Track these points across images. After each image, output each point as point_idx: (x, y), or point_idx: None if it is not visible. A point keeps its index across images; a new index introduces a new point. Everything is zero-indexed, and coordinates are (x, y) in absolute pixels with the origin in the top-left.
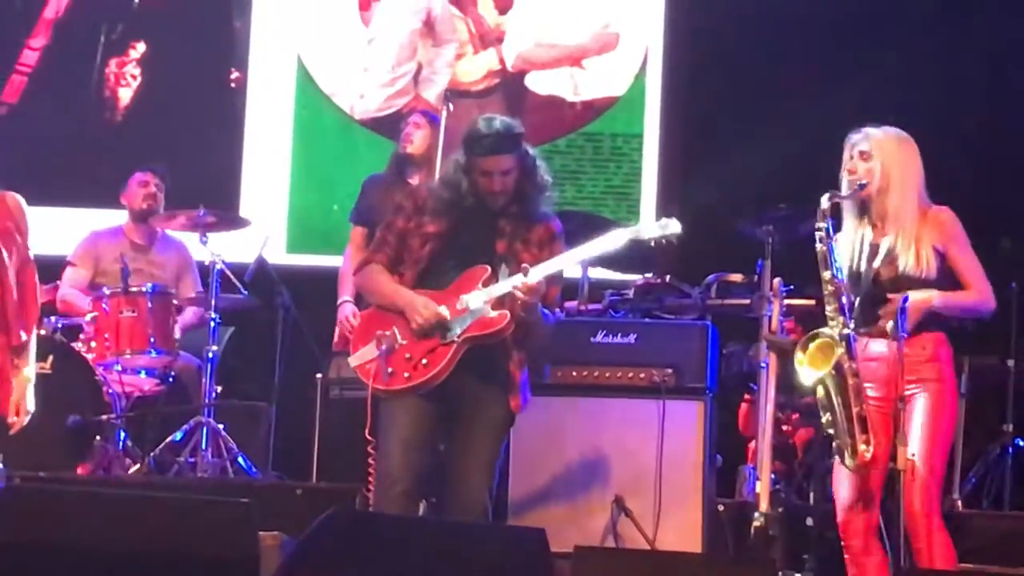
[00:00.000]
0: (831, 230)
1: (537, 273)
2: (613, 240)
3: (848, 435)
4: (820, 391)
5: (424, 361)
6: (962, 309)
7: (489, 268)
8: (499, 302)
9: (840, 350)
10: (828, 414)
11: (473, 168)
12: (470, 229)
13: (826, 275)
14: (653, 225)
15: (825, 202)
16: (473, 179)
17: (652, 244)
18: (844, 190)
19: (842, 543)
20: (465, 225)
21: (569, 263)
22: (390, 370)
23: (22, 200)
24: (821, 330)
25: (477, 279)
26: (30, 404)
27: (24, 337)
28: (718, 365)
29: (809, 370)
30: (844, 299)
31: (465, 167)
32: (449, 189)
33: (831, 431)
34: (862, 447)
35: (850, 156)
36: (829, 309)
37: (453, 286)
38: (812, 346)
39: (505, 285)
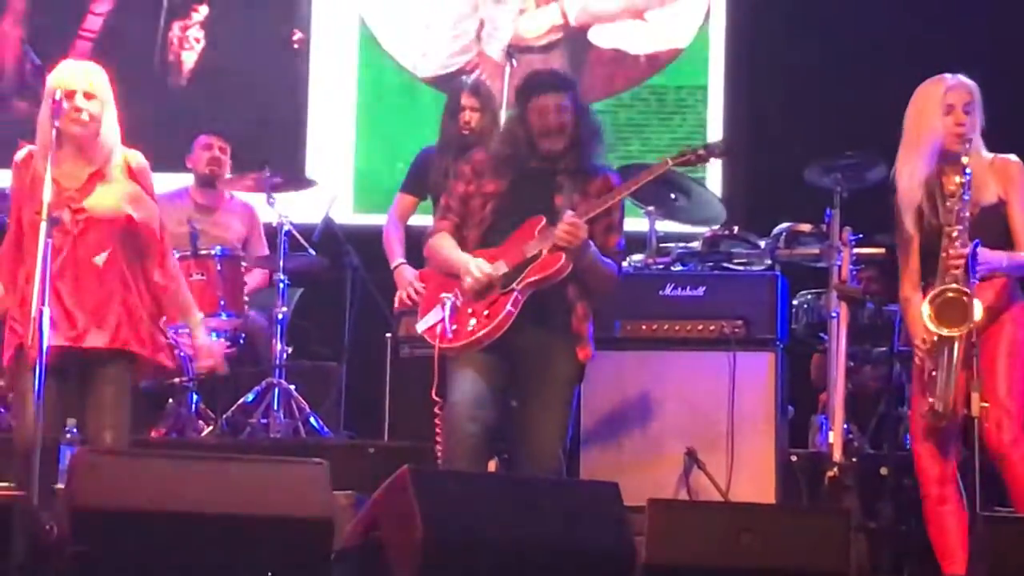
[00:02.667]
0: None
1: (584, 209)
2: (658, 168)
3: (951, 391)
4: (937, 342)
5: (486, 312)
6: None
7: (545, 218)
8: (555, 247)
9: (977, 314)
10: (936, 369)
11: (529, 112)
12: (529, 187)
13: (956, 230)
14: (694, 146)
15: (966, 158)
16: (530, 124)
17: (695, 160)
18: (955, 142)
19: (920, 492)
20: (524, 183)
21: (618, 197)
22: (454, 327)
23: (143, 159)
24: (955, 287)
25: (534, 229)
26: (213, 343)
27: (179, 293)
28: (788, 316)
29: (936, 326)
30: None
31: (521, 115)
32: (508, 143)
33: (933, 385)
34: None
35: (949, 105)
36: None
37: (512, 239)
38: (941, 301)
39: (557, 232)
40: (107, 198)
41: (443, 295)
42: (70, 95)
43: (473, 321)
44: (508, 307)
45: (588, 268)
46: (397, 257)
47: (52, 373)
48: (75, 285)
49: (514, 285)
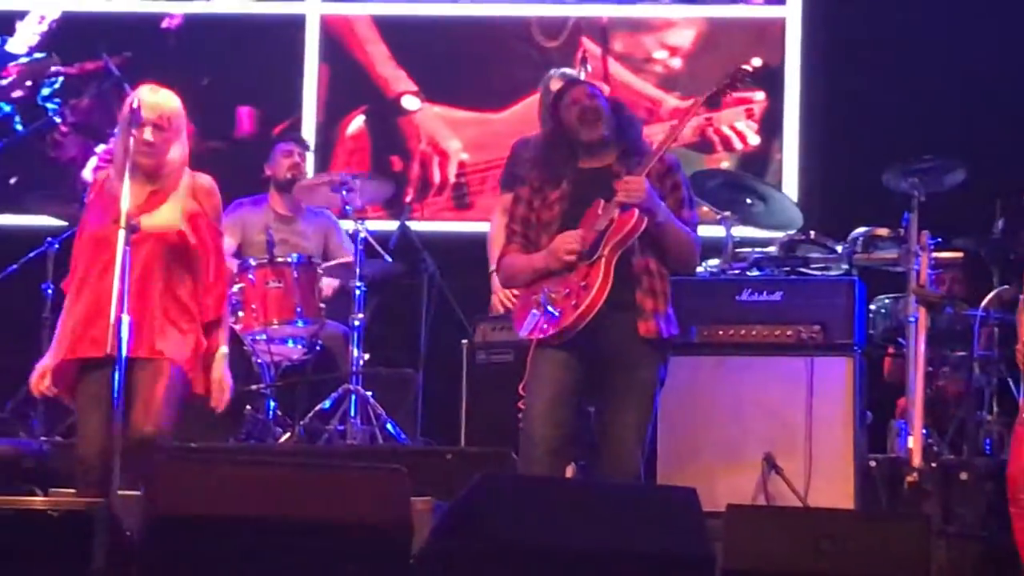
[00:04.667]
0: None
1: (639, 169)
2: (696, 105)
3: None
4: None
5: (583, 284)
6: None
7: (604, 200)
8: (623, 207)
9: None
10: None
11: (564, 110)
12: (588, 184)
13: None
14: (726, 74)
15: None
16: (567, 124)
17: (729, 84)
18: None
19: (1008, 496)
20: (582, 182)
21: (665, 145)
22: (557, 311)
23: (210, 181)
24: None
25: (596, 209)
26: (228, 379)
27: (215, 314)
28: (866, 320)
29: None
30: None
31: (556, 119)
32: (552, 158)
33: None
34: None
35: None
36: None
37: (579, 225)
38: None
39: (618, 196)
40: (163, 215)
41: (533, 297)
42: (141, 126)
43: (573, 302)
44: (601, 273)
45: (665, 226)
46: (494, 261)
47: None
48: (107, 297)
49: (599, 253)
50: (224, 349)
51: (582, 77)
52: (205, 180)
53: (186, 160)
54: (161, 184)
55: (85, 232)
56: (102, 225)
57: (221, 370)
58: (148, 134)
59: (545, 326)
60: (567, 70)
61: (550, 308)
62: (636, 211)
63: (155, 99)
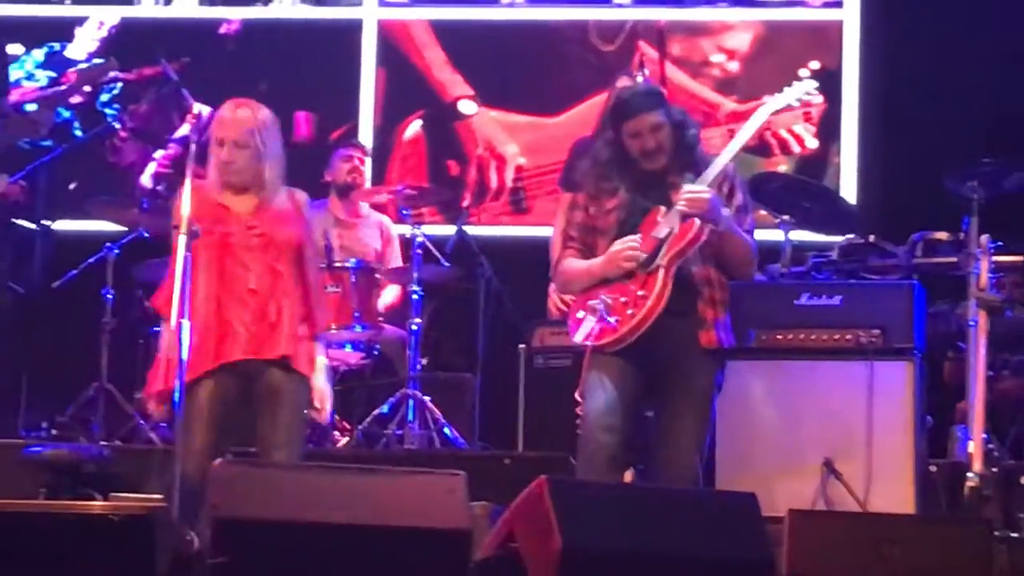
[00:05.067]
0: None
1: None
2: (759, 118)
3: None
4: None
5: (640, 293)
6: None
7: (663, 207)
8: (684, 216)
9: None
10: None
11: (624, 135)
12: (646, 193)
13: None
14: (788, 91)
15: None
16: (628, 146)
17: (797, 105)
18: None
19: None
20: (641, 191)
21: (726, 158)
22: (614, 319)
23: (305, 196)
24: None
25: (656, 216)
26: (329, 390)
27: (322, 328)
28: (925, 324)
29: None
30: None
31: (615, 139)
32: (607, 167)
33: None
34: None
35: None
36: None
37: (638, 233)
38: None
39: (679, 205)
40: (279, 219)
41: (590, 302)
42: (221, 143)
43: (630, 310)
44: (660, 283)
45: (727, 234)
46: None
47: (221, 388)
48: (249, 299)
49: (658, 262)
50: (324, 360)
51: (639, 81)
52: (302, 195)
53: (283, 170)
54: (264, 195)
55: (201, 243)
56: (209, 239)
57: (323, 380)
58: (227, 153)
59: (601, 333)
60: (635, 73)
61: (607, 315)
62: (697, 221)
63: (234, 116)
